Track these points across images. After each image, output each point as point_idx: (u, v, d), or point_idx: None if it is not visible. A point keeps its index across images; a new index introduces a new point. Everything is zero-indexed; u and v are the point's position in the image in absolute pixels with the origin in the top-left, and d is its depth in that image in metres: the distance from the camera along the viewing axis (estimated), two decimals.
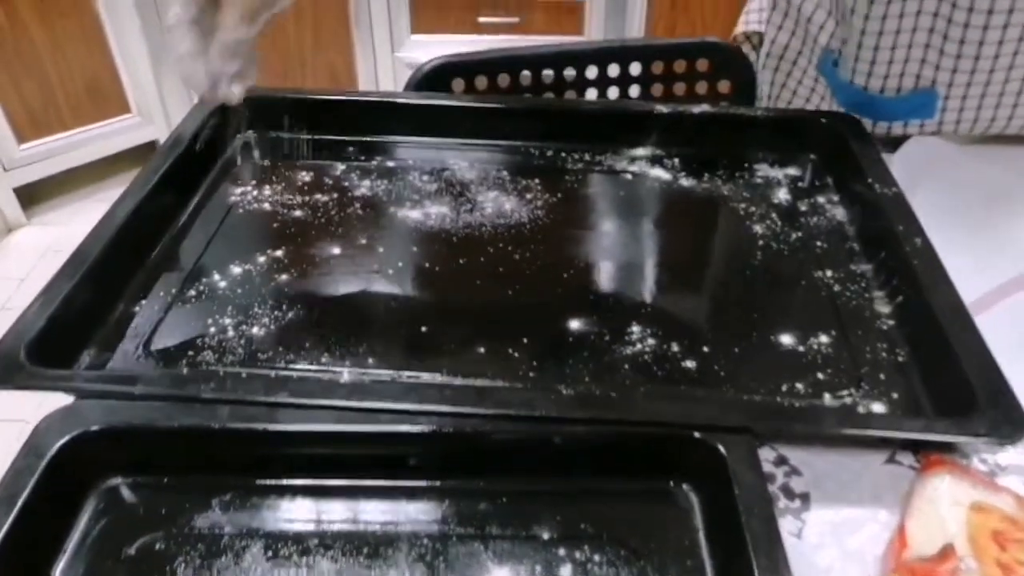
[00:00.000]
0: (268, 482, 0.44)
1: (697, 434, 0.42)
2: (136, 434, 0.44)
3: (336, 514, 0.43)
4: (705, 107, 0.71)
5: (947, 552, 0.37)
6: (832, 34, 0.73)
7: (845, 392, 0.49)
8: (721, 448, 0.41)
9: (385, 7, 1.97)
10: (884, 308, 0.55)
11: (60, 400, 0.46)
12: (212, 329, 0.53)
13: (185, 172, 0.66)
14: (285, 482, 0.44)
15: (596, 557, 0.41)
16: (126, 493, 0.44)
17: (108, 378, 0.48)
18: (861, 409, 0.48)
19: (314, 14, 2.04)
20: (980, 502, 0.39)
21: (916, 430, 0.44)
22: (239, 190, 0.67)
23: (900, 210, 0.58)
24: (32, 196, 2.03)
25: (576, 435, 0.43)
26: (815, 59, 0.76)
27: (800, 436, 0.45)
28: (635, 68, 0.86)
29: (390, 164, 0.70)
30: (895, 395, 0.49)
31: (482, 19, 1.98)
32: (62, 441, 0.42)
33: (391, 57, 2.05)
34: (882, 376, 0.50)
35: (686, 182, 0.68)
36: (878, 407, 0.48)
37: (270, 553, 0.41)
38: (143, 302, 0.55)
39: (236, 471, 0.44)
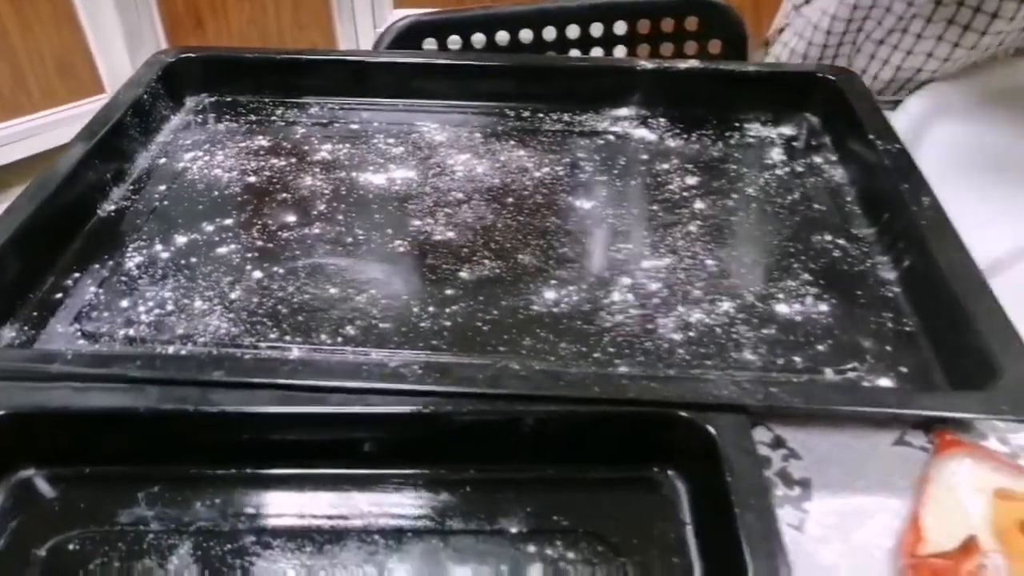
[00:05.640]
0: (202, 472, 0.39)
1: (683, 413, 0.37)
2: (51, 419, 0.39)
3: (277, 507, 0.38)
4: (693, 63, 0.66)
5: (969, 546, 0.32)
6: None
7: (848, 366, 0.44)
8: (710, 429, 0.37)
9: None
10: (889, 274, 0.50)
11: None
12: (151, 304, 0.48)
13: (129, 136, 0.61)
14: (221, 472, 0.39)
15: (570, 554, 0.36)
16: (40, 486, 0.39)
17: (19, 356, 0.42)
18: (866, 384, 0.43)
19: None
20: (1006, 488, 0.35)
21: (930, 407, 0.40)
22: (189, 155, 0.62)
23: (904, 168, 0.53)
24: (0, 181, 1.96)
25: (548, 416, 0.39)
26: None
27: (799, 414, 0.40)
28: (620, 27, 0.80)
29: (354, 127, 0.65)
30: (904, 369, 0.44)
31: None
32: None
33: (373, 33, 1.99)
34: (889, 348, 0.45)
35: (673, 143, 0.63)
36: (885, 382, 0.43)
37: (199, 553, 0.36)
38: (77, 275, 0.50)
39: (166, 460, 0.39)
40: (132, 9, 1.94)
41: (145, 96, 0.63)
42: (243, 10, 1.99)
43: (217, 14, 1.99)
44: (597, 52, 0.82)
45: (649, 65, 0.65)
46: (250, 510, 0.38)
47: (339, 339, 0.46)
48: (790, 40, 0.78)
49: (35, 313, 0.48)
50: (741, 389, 0.38)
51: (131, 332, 0.46)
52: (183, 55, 0.67)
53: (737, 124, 0.65)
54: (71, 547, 0.36)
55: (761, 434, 0.41)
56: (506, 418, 0.39)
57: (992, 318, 0.42)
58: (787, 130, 0.64)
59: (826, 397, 0.39)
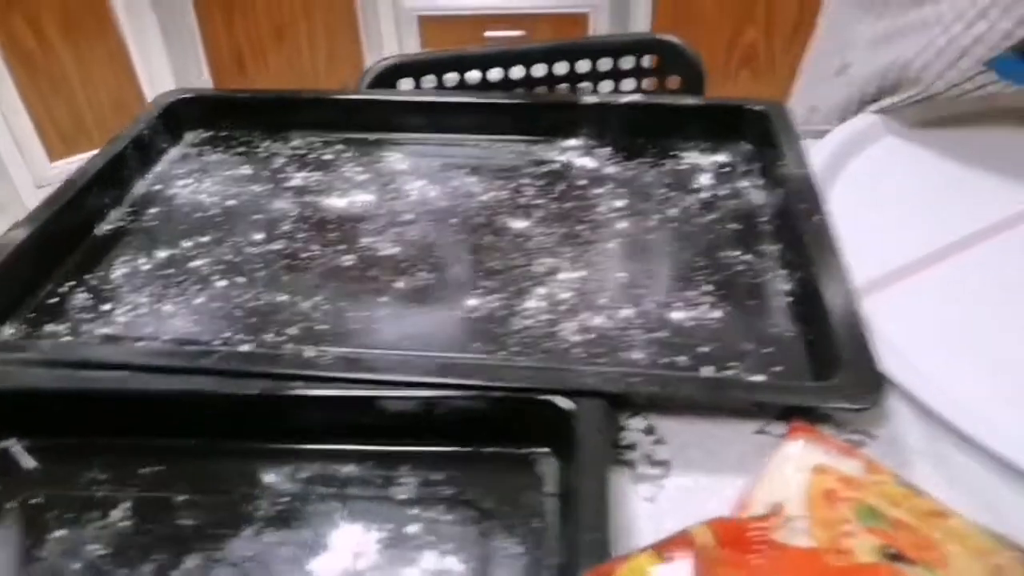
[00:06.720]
0: (144, 442, 0.46)
1: (547, 397, 0.43)
2: (27, 398, 0.46)
3: (204, 474, 0.45)
4: (635, 97, 0.72)
5: (775, 510, 0.37)
6: None
7: (727, 365, 0.49)
8: (571, 410, 0.42)
9: (394, 26, 2.02)
10: (785, 285, 0.55)
11: None
12: (127, 307, 0.55)
13: (129, 166, 0.69)
14: (162, 443, 0.46)
15: (447, 517, 0.42)
16: (17, 454, 0.46)
17: (4, 346, 0.50)
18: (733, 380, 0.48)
19: (326, 34, 2.11)
20: (823, 464, 0.39)
21: (767, 395, 0.44)
22: (181, 182, 0.70)
23: (806, 189, 0.58)
24: None
25: (441, 400, 0.44)
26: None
27: (671, 406, 0.45)
28: (583, 66, 0.87)
29: (327, 157, 0.72)
30: (778, 368, 0.49)
31: (488, 33, 2.01)
32: None
33: None
34: (770, 350, 0.50)
35: (611, 169, 0.69)
36: (757, 379, 0.48)
37: (136, 508, 0.43)
38: (71, 283, 0.58)
39: (118, 433, 0.46)
40: (180, 53, 2.09)
41: (145, 132, 0.71)
42: (281, 52, 2.12)
43: (257, 57, 2.12)
44: (563, 88, 0.89)
45: (593, 100, 0.71)
46: (182, 475, 0.44)
47: (282, 337, 0.52)
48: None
49: (32, 315, 0.55)
50: (604, 379, 0.44)
51: (108, 331, 0.54)
52: (181, 96, 0.76)
53: (674, 153, 0.70)
54: (32, 502, 0.43)
55: (637, 423, 0.46)
56: (407, 401, 0.45)
57: (849, 323, 0.47)
58: (721, 157, 0.70)
59: (678, 386, 0.44)
